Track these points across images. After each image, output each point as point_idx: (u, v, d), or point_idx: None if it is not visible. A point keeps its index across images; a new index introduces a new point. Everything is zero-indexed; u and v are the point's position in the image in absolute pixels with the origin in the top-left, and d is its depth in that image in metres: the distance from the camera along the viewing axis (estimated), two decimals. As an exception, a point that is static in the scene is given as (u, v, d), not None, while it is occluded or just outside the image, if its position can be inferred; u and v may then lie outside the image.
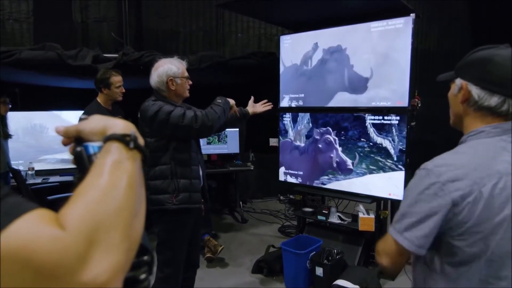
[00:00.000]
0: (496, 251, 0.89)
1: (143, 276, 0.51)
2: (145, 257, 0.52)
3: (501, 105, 0.93)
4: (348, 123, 3.05)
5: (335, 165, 3.08)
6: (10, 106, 3.37)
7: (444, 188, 0.89)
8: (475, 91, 0.95)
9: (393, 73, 2.85)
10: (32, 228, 0.40)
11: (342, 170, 3.06)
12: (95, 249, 0.40)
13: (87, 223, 0.41)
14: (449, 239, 0.92)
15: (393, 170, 2.76)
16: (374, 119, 2.88)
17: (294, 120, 3.48)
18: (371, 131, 2.83)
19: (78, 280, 0.39)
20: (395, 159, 2.75)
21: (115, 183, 0.46)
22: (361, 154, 2.94)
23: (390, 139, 2.76)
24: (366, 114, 2.95)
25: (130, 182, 0.48)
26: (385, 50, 2.88)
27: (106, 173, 0.47)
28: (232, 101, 2.24)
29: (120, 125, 0.53)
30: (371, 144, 2.89)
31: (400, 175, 2.75)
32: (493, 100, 0.93)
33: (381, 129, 2.84)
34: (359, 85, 2.95)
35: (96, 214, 0.42)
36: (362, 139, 2.95)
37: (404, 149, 2.73)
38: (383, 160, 2.75)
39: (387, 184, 2.90)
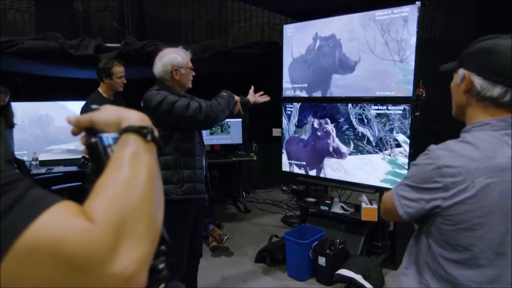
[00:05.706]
0: (483, 242, 0.90)
1: (162, 266, 0.52)
2: (162, 247, 0.52)
3: (503, 95, 0.92)
4: (340, 115, 3.28)
5: (331, 149, 3.31)
6: (8, 96, 3.31)
7: (438, 172, 0.91)
8: (478, 81, 0.94)
9: (397, 62, 2.83)
10: (61, 220, 0.40)
11: (337, 155, 3.29)
12: (122, 241, 0.41)
13: (113, 216, 0.42)
14: (439, 221, 0.94)
15: (370, 153, 3.11)
16: (356, 112, 3.18)
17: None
18: (354, 122, 3.18)
19: (108, 272, 0.39)
20: (373, 144, 3.07)
21: (135, 176, 0.46)
22: (347, 140, 3.29)
23: (369, 128, 3.11)
24: (350, 109, 3.17)
25: (149, 174, 0.48)
26: (390, 38, 2.85)
27: (126, 166, 0.47)
28: (236, 97, 2.26)
29: (136, 117, 0.53)
30: (356, 132, 3.21)
31: (375, 158, 3.06)
32: (496, 91, 0.92)
33: (365, 121, 3.13)
34: (348, 65, 3.15)
35: (121, 207, 0.43)
36: (349, 129, 3.25)
37: (381, 137, 3.02)
38: (363, 145, 3.15)
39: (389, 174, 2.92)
